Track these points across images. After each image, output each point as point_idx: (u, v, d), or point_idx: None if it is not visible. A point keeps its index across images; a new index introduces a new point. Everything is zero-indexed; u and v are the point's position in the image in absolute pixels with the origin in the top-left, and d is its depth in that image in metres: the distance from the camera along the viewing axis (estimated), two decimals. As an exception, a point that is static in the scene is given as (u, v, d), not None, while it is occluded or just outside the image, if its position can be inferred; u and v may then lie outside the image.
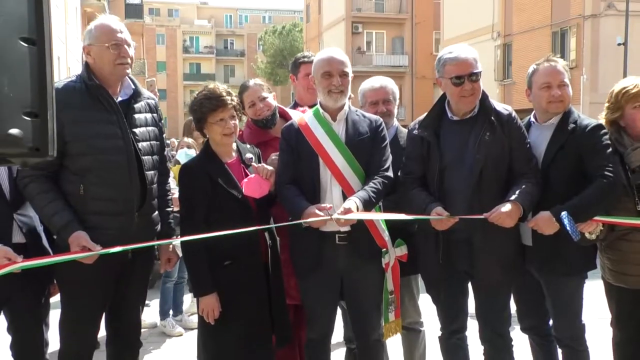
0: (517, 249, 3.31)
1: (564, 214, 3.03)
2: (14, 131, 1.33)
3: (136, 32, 36.36)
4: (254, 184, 3.20)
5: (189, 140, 6.59)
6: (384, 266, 3.33)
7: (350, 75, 3.33)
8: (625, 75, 19.99)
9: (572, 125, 3.23)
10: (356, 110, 3.41)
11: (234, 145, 3.35)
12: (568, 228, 2.99)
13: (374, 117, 3.41)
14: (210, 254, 3.13)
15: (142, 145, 3.09)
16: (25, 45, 1.34)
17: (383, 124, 3.37)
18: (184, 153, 6.23)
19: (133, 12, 33.05)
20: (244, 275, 3.19)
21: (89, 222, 2.96)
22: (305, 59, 4.13)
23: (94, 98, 2.98)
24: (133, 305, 3.28)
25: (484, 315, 3.36)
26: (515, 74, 26.32)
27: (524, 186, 3.14)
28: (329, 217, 3.03)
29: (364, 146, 3.25)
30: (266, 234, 3.28)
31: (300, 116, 3.45)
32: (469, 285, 3.41)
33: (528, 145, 3.26)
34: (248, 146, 3.48)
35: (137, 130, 3.07)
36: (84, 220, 2.96)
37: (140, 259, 3.17)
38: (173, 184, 4.05)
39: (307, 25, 47.56)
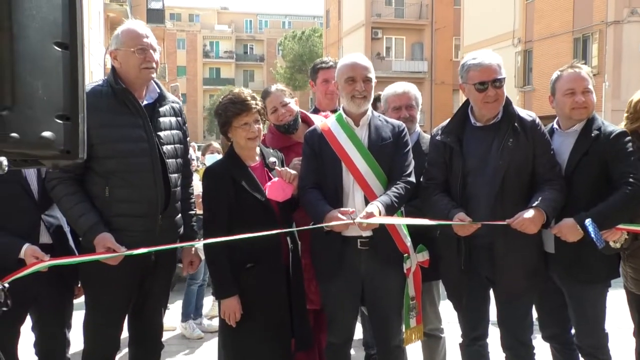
0: (539, 255, 3.29)
1: (588, 221, 3.01)
2: (46, 134, 1.36)
3: (157, 37, 36.59)
4: (277, 187, 3.23)
5: (217, 145, 6.67)
6: (405, 271, 3.33)
7: (374, 80, 3.35)
8: (648, 83, 19.77)
9: (595, 132, 3.22)
10: (379, 116, 3.42)
11: (258, 150, 3.39)
12: (593, 235, 2.97)
13: (396, 122, 3.42)
14: (232, 257, 3.16)
15: (167, 148, 3.13)
16: (59, 49, 1.37)
17: (406, 129, 3.39)
18: (213, 158, 6.29)
19: (155, 17, 33.32)
20: (265, 278, 3.21)
21: (114, 224, 3.00)
22: (323, 65, 4.19)
23: (121, 102, 3.03)
24: (155, 307, 3.31)
25: (505, 322, 3.34)
26: (536, 80, 26.11)
27: (547, 192, 3.12)
28: (351, 222, 3.04)
29: (386, 151, 3.27)
30: (288, 238, 3.29)
31: (323, 121, 3.47)
32: (491, 292, 3.39)
33: (552, 152, 3.25)
34: (271, 150, 3.51)
35: (161, 134, 3.11)
36: (109, 222, 3.00)
37: (163, 261, 3.21)
38: (197, 188, 4.08)
39: (326, 31, 47.62)
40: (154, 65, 3.08)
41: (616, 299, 3.52)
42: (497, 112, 3.23)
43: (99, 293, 3.11)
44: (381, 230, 3.20)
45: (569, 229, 3.10)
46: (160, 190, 3.08)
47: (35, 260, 2.91)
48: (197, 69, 64.47)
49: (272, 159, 3.37)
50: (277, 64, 55.22)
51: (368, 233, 3.21)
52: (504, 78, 3.21)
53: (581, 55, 23.65)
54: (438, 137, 3.35)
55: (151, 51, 3.07)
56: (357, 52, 3.51)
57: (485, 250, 3.22)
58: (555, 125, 3.44)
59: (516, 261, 3.19)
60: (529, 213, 3.06)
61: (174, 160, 3.20)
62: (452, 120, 3.37)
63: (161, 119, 3.15)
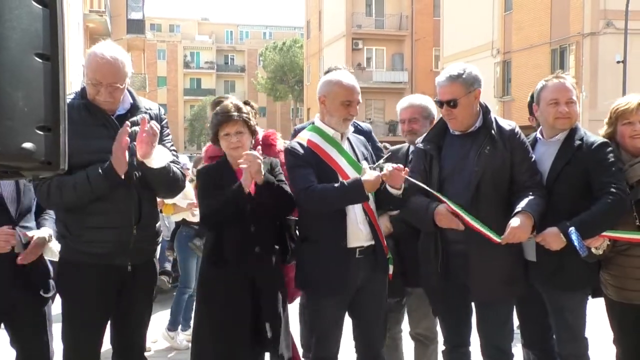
0: (516, 262, 3.31)
1: (571, 229, 3.06)
2: (27, 145, 1.35)
3: (138, 48, 36.50)
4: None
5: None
6: (389, 274, 3.42)
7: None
8: (624, 93, 20.08)
9: (578, 142, 3.28)
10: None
11: None
12: (576, 244, 3.02)
13: (362, 138, 3.60)
14: (206, 251, 3.40)
15: (137, 158, 3.09)
16: (40, 61, 1.36)
17: (371, 136, 3.63)
18: None
19: (135, 28, 33.19)
20: (229, 281, 3.29)
21: (88, 235, 3.02)
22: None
23: (92, 114, 3.03)
24: (137, 320, 3.28)
25: (484, 329, 3.38)
26: (515, 90, 26.44)
27: (531, 198, 3.17)
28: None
29: (368, 162, 3.40)
30: (257, 248, 3.32)
31: (300, 136, 3.45)
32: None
33: (532, 160, 3.30)
34: (265, 158, 3.54)
35: (133, 145, 3.08)
36: (83, 234, 3.02)
37: (141, 272, 3.20)
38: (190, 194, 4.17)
39: (307, 41, 47.81)
40: (110, 99, 3.02)
41: (596, 307, 3.56)
42: (470, 123, 3.32)
43: (74, 303, 3.10)
44: (376, 236, 3.32)
45: (552, 238, 3.13)
46: (134, 201, 3.07)
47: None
48: (177, 80, 64.31)
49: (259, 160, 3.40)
50: (258, 75, 55.32)
51: (370, 241, 3.30)
52: (455, 99, 3.24)
53: (559, 66, 24.00)
54: (419, 145, 3.44)
55: (108, 89, 2.98)
56: (344, 70, 3.53)
57: (460, 257, 3.26)
58: (539, 135, 3.49)
59: (490, 268, 3.22)
60: (515, 221, 3.10)
61: None
62: (432, 129, 3.49)
63: (132, 129, 3.12)
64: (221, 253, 3.33)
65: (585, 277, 3.30)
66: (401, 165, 3.16)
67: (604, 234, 3.16)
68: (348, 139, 3.44)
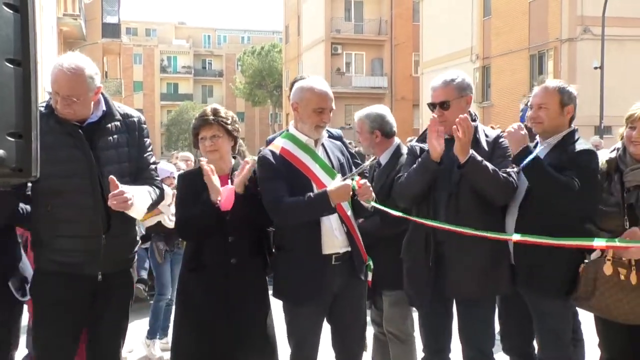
0: (494, 259, 3.34)
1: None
2: (-3, 152, 1.34)
3: (113, 52, 36.25)
4: (227, 195, 3.30)
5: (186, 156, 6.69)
6: (368, 281, 3.47)
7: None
8: (602, 99, 20.40)
9: (564, 147, 3.37)
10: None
11: (232, 161, 3.50)
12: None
13: (337, 141, 3.67)
14: (186, 260, 3.45)
15: (108, 169, 3.06)
16: (11, 66, 1.35)
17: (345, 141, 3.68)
18: None
19: (110, 32, 32.97)
20: (208, 289, 3.31)
21: (58, 244, 3.01)
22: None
23: (59, 122, 3.01)
24: (111, 329, 3.24)
25: (465, 331, 3.41)
26: (494, 96, 26.71)
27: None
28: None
29: (344, 171, 3.43)
30: (233, 260, 3.32)
31: (273, 144, 3.46)
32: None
33: (509, 159, 3.36)
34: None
35: (102, 154, 3.06)
36: (53, 242, 3.01)
37: (115, 282, 3.16)
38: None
39: (286, 46, 47.85)
40: (67, 110, 2.99)
41: (581, 310, 3.58)
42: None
43: (45, 312, 3.08)
44: (353, 242, 3.34)
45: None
46: (101, 211, 3.03)
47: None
48: (154, 84, 63.92)
49: (237, 172, 3.40)
50: (237, 80, 55.20)
51: (346, 248, 3.32)
52: (447, 101, 3.39)
53: (537, 72, 24.31)
54: (413, 143, 3.61)
55: (66, 100, 2.96)
56: (318, 76, 3.58)
57: (442, 257, 3.35)
58: (539, 138, 3.60)
59: (465, 263, 3.29)
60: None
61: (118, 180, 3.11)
62: (425, 131, 3.57)
63: (104, 138, 3.10)
64: (199, 260, 3.34)
65: (559, 281, 3.32)
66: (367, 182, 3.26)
67: (598, 244, 3.05)
68: (323, 144, 3.46)
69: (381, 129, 4.04)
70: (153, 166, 3.32)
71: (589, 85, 21.90)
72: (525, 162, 3.22)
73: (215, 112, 3.39)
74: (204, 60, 68.12)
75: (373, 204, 3.32)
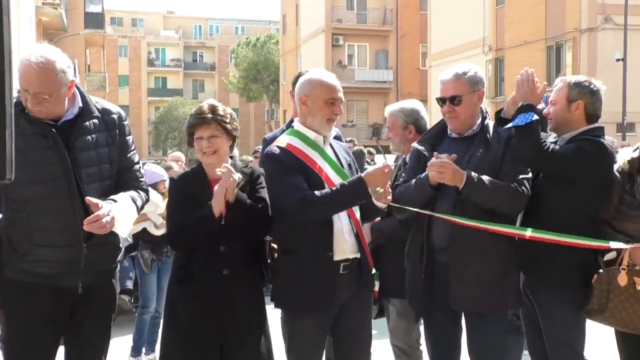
0: (504, 272, 3.37)
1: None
2: (-32, 153, 1.33)
3: (96, 44, 36.29)
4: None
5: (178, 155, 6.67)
6: (375, 291, 3.49)
7: None
8: (624, 93, 20.37)
9: (576, 141, 3.44)
10: None
11: (230, 163, 3.42)
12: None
13: (344, 144, 3.70)
14: (175, 271, 3.43)
15: (86, 171, 3.05)
16: (-17, 59, 1.35)
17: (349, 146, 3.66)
18: None
19: (93, 22, 32.98)
20: (197, 302, 3.29)
21: (33, 254, 2.97)
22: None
23: (31, 122, 2.97)
24: (92, 345, 3.22)
25: (473, 348, 3.44)
26: (508, 90, 26.69)
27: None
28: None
29: (352, 172, 3.46)
30: (225, 271, 3.30)
31: (279, 140, 3.47)
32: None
33: (523, 166, 3.38)
34: (241, 164, 3.54)
35: (79, 155, 3.03)
36: (28, 252, 2.98)
37: (96, 294, 3.14)
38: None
39: (283, 37, 47.91)
40: (38, 108, 2.94)
41: (600, 327, 3.58)
42: (467, 125, 3.49)
43: (18, 327, 3.04)
44: (361, 248, 3.37)
45: None
46: (81, 217, 2.97)
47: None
48: (140, 79, 63.92)
49: (236, 176, 3.34)
50: (230, 73, 55.20)
51: (354, 255, 3.32)
52: (459, 96, 3.44)
53: (555, 64, 24.34)
54: (415, 145, 3.62)
55: (37, 98, 2.89)
56: (323, 69, 3.60)
57: (444, 267, 3.37)
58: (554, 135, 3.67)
59: (469, 272, 3.31)
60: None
61: (97, 184, 3.09)
62: (430, 130, 3.73)
63: (81, 138, 3.06)
64: (188, 270, 3.32)
65: (562, 273, 3.35)
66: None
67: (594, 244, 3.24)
68: (330, 144, 3.47)
69: (416, 124, 4.11)
70: (137, 166, 3.30)
71: (610, 79, 21.87)
72: (519, 120, 3.30)
73: (214, 110, 3.33)
74: (195, 53, 68.15)
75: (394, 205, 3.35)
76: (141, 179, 3.31)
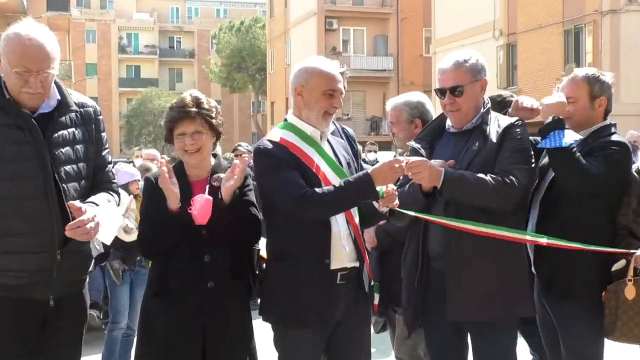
0: (508, 275, 3.39)
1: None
2: None
3: (61, 28, 36.06)
4: (199, 205, 3.24)
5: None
6: (374, 304, 3.55)
7: None
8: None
9: (594, 140, 3.51)
10: None
11: (212, 162, 3.45)
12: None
13: (342, 140, 3.68)
14: (151, 283, 3.40)
15: (65, 169, 3.06)
16: None
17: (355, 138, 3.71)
18: None
19: (57, 4, 32.84)
20: (174, 315, 3.28)
21: (2, 262, 2.95)
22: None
23: (7, 112, 2.98)
24: None
25: None
26: (522, 79, 26.78)
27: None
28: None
29: (351, 171, 3.46)
30: (210, 283, 3.31)
31: (272, 135, 3.48)
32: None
33: (524, 154, 3.40)
34: (226, 164, 3.56)
35: (58, 151, 3.05)
36: None
37: (68, 306, 3.15)
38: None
39: (270, 21, 47.89)
40: (41, 90, 2.99)
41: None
42: (466, 119, 3.52)
43: None
44: (360, 256, 3.38)
45: None
46: (58, 220, 3.00)
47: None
48: (111, 67, 63.86)
49: (220, 176, 3.37)
50: (211, 61, 55.17)
51: (353, 263, 3.33)
52: (461, 86, 3.47)
53: (573, 50, 24.39)
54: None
55: (39, 77, 2.96)
56: (323, 57, 3.59)
57: (440, 275, 3.42)
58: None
59: (467, 278, 3.34)
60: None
61: (76, 183, 3.12)
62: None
63: (59, 132, 3.08)
64: (167, 282, 3.31)
65: (587, 280, 3.40)
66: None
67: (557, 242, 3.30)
68: (328, 140, 3.49)
69: (422, 118, 4.17)
70: (110, 166, 3.33)
71: (635, 65, 21.99)
72: (555, 140, 3.34)
73: (198, 103, 3.34)
74: (172, 38, 68.10)
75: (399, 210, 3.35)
76: (114, 181, 3.35)
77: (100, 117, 3.30)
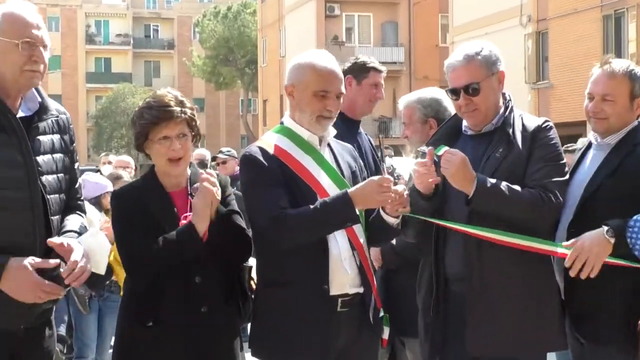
0: (538, 305, 3.39)
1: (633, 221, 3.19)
2: None
3: (19, 14, 36.15)
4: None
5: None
6: (383, 339, 3.51)
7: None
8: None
9: (631, 148, 3.44)
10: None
11: (189, 171, 3.47)
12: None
13: (347, 145, 3.70)
14: (135, 309, 3.33)
15: (48, 179, 3.10)
16: None
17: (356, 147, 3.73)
18: None
19: (15, -14, 33.01)
20: (165, 346, 3.28)
21: None
22: (377, 67, 4.75)
23: None
24: None
25: None
26: (553, 73, 26.79)
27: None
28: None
29: (356, 181, 3.44)
30: (204, 308, 3.32)
31: (263, 140, 3.51)
32: None
33: (556, 162, 3.42)
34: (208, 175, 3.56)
35: (41, 159, 3.08)
36: None
37: (36, 337, 3.18)
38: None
39: (262, 6, 48.03)
40: (42, 68, 3.07)
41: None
42: (484, 121, 3.54)
43: None
44: (366, 281, 3.38)
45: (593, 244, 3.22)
46: (41, 236, 3.02)
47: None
48: (77, 60, 64.01)
49: (198, 185, 3.39)
50: (194, 53, 55.33)
51: (356, 289, 3.35)
52: (477, 83, 3.46)
53: (614, 38, 24.40)
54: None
55: (41, 48, 3.06)
56: (325, 52, 3.60)
57: (460, 301, 3.43)
58: (592, 137, 3.67)
59: (491, 308, 3.34)
60: None
61: (57, 196, 3.16)
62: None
63: (40, 138, 3.11)
64: (153, 308, 3.30)
65: (616, 326, 3.35)
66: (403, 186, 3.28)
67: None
68: (329, 145, 3.50)
69: (437, 118, 4.20)
70: (79, 181, 3.39)
71: (685, 58, 22.00)
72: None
73: (181, 101, 3.36)
74: (148, 26, 68.26)
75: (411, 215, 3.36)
76: (81, 199, 3.39)
77: (72, 126, 3.36)
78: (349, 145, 3.72)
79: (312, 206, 3.22)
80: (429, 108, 4.22)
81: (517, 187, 3.30)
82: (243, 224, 3.42)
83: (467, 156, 3.41)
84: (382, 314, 3.50)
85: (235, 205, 3.47)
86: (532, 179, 3.35)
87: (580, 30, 25.59)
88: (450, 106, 4.23)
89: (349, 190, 3.21)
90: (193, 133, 3.40)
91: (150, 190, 3.38)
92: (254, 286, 3.52)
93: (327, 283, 3.27)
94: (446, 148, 3.34)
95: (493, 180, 3.30)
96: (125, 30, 66.53)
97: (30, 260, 2.91)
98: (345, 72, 4.51)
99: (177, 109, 3.31)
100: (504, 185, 3.29)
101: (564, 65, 25.90)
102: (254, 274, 3.55)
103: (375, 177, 3.22)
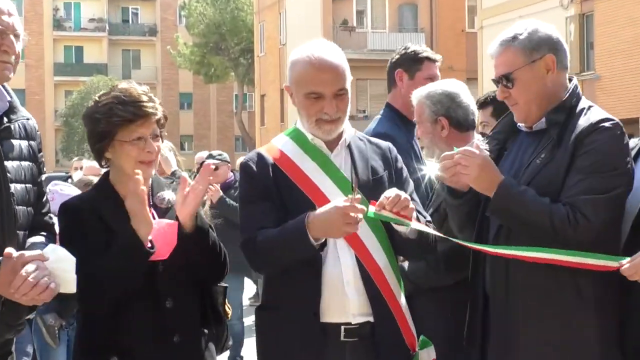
0: (601, 316, 3.36)
1: None
2: None
3: (-24, -4, 36.36)
4: (163, 234, 3.23)
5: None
6: None
7: (349, 89, 3.47)
8: None
9: None
10: (357, 133, 3.61)
11: (153, 177, 3.48)
12: None
13: (383, 143, 3.66)
14: (95, 343, 3.30)
15: (16, 188, 3.13)
16: None
17: (394, 150, 3.65)
18: None
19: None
20: None
21: None
22: (431, 56, 4.75)
23: None
24: None
25: None
26: (600, 62, 26.81)
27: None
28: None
29: (381, 190, 3.35)
30: (176, 337, 3.33)
31: (271, 146, 3.54)
32: None
33: (605, 172, 3.30)
34: (165, 180, 3.61)
35: (10, 165, 3.11)
36: None
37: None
38: None
39: (259, -15, 48.15)
40: (13, 59, 3.10)
41: None
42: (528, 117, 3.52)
43: None
44: (382, 311, 3.35)
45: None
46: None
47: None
48: (43, 49, 64.22)
49: (163, 195, 3.42)
50: (179, 40, 55.39)
51: (364, 317, 3.33)
52: (507, 74, 3.47)
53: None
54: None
55: (12, 37, 3.09)
56: (321, 40, 3.61)
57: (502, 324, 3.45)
58: None
59: (538, 332, 3.33)
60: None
61: (25, 208, 3.19)
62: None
63: (9, 142, 3.15)
64: (119, 343, 3.29)
65: None
66: (400, 194, 3.22)
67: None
68: (349, 147, 3.51)
69: (449, 116, 4.15)
70: (47, 195, 3.44)
71: None
72: None
73: (151, 97, 3.37)
74: (126, 10, 68.54)
75: (414, 225, 3.29)
76: (48, 214, 3.42)
77: (39, 133, 3.40)
78: (385, 146, 3.67)
79: (280, 228, 3.25)
80: (439, 105, 4.15)
81: (546, 202, 3.26)
82: (214, 238, 3.39)
83: (519, 157, 3.46)
84: (417, 350, 3.48)
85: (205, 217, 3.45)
86: (567, 194, 3.28)
87: (631, 12, 25.62)
88: (470, 101, 4.24)
89: (310, 214, 3.18)
90: (160, 134, 3.42)
91: (105, 198, 3.37)
92: (228, 311, 3.56)
93: (317, 309, 3.29)
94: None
95: (523, 188, 3.29)
96: (100, 14, 66.77)
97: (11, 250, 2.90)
98: (394, 65, 4.59)
99: (151, 104, 3.32)
100: (531, 194, 3.27)
101: (613, 53, 25.92)
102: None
103: (340, 202, 3.11)
